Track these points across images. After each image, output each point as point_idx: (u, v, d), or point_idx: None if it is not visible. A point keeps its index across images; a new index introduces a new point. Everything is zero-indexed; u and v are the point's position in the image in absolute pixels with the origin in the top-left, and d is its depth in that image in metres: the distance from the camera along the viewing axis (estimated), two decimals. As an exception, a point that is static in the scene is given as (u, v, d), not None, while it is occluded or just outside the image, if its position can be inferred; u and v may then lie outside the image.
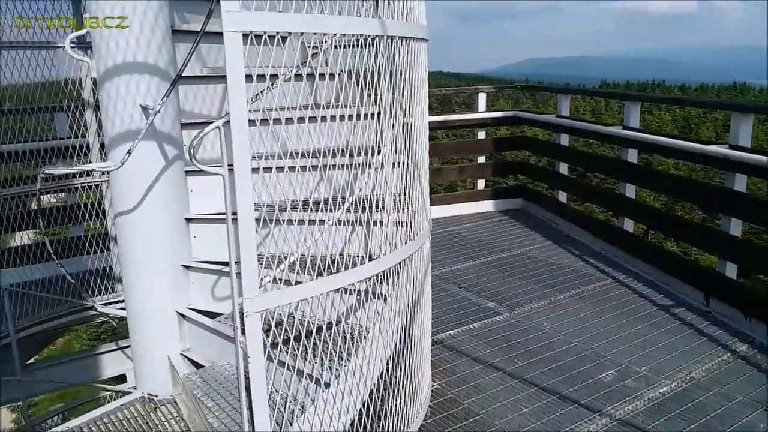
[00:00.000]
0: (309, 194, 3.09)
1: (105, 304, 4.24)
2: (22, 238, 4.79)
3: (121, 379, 5.13)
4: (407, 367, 2.79)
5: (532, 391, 3.44)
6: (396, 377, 2.72)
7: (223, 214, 3.09)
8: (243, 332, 2.02)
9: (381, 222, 2.62)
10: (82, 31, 2.82)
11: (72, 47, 2.91)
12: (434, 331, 3.89)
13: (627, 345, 3.96)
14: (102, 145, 4.28)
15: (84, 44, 3.62)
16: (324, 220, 2.50)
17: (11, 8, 3.99)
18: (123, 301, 4.03)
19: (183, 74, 2.66)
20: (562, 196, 6.92)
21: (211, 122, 2.13)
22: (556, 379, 3.55)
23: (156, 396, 3.19)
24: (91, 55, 2.90)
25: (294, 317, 2.63)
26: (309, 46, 2.95)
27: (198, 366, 3.10)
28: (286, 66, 2.12)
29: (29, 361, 4.35)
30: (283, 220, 2.39)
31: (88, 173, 4.27)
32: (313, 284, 2.16)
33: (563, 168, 6.94)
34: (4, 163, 4.27)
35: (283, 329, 2.37)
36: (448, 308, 4.62)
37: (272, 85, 2.05)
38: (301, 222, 2.65)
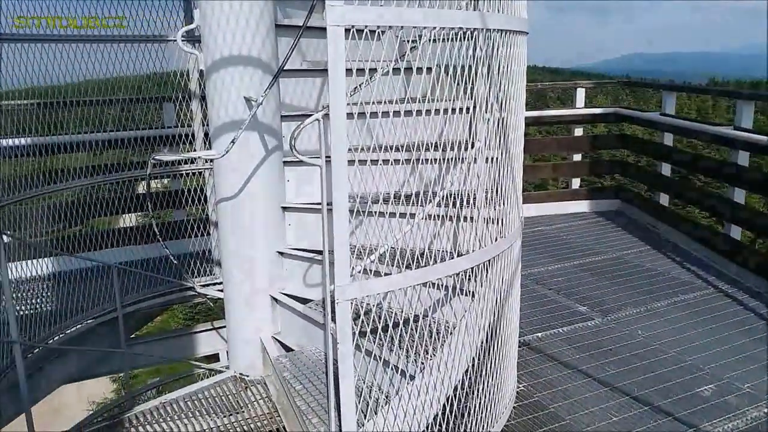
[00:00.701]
0: (399, 187, 3.11)
1: (203, 286, 4.46)
2: (129, 219, 5.14)
3: (214, 358, 5.39)
4: (492, 366, 2.75)
5: (623, 400, 3.31)
6: (481, 376, 2.69)
7: (318, 204, 3.21)
8: (333, 319, 2.07)
9: (471, 218, 2.60)
10: (192, 26, 2.98)
11: (183, 40, 3.06)
12: (521, 333, 3.82)
13: (729, 359, 3.72)
14: (206, 135, 4.51)
15: (193, 38, 3.81)
16: (414, 214, 2.51)
17: (127, 5, 4.27)
18: (220, 284, 4.24)
19: (284, 67, 2.75)
20: (663, 199, 6.58)
21: (310, 114, 2.19)
22: (649, 390, 3.39)
23: (247, 376, 3.33)
24: (200, 48, 3.06)
25: (381, 308, 2.67)
26: (406, 41, 2.97)
27: (288, 349, 3.21)
28: (384, 60, 2.15)
29: (131, 336, 4.66)
30: (375, 212, 2.42)
31: (193, 160, 4.51)
32: (402, 276, 2.18)
33: (665, 169, 6.59)
34: (113, 150, 4.59)
35: (371, 319, 2.40)
36: (536, 310, 4.52)
37: (370, 78, 2.07)
38: (392, 215, 2.68)
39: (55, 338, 3.75)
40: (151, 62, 4.47)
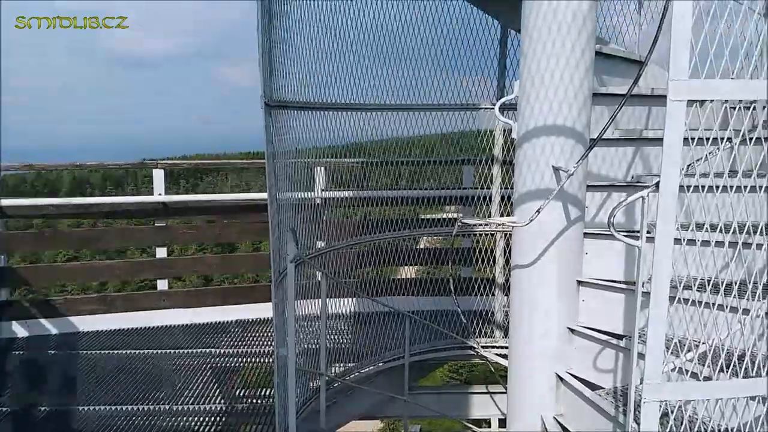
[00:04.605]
0: (716, 273, 2.73)
1: (484, 347, 4.48)
2: (409, 271, 5.48)
3: (486, 422, 5.35)
4: None
5: None
6: None
7: (617, 282, 3.00)
8: (636, 420, 1.86)
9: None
10: (511, 96, 3.07)
11: (499, 110, 3.19)
12: None
13: None
14: (502, 198, 4.62)
15: (505, 107, 3.95)
16: (748, 309, 2.16)
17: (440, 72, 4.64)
18: (500, 347, 4.22)
19: (598, 140, 2.66)
20: None
21: (617, 185, 2.07)
22: None
23: (522, 451, 3.20)
24: (514, 118, 3.14)
25: (683, 412, 2.33)
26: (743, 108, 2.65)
27: (569, 434, 3.00)
28: (730, 131, 1.92)
29: (412, 384, 4.88)
30: (701, 302, 2.14)
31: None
32: (729, 384, 1.87)
33: None
34: (409, 205, 4.96)
35: (670, 424, 2.10)
36: None
37: (709, 155, 1.87)
38: (719, 307, 2.34)
39: (353, 375, 4.11)
40: (457, 124, 4.80)
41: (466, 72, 4.79)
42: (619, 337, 2.89)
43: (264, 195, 4.89)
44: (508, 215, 3.69)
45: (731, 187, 2.01)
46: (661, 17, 2.62)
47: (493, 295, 4.73)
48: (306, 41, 3.96)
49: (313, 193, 4.78)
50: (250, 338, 5.47)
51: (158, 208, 5.79)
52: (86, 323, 5.66)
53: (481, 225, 3.43)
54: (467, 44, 4.68)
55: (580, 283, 3.15)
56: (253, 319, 5.82)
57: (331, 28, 4.08)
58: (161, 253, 5.96)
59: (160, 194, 5.73)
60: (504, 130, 4.49)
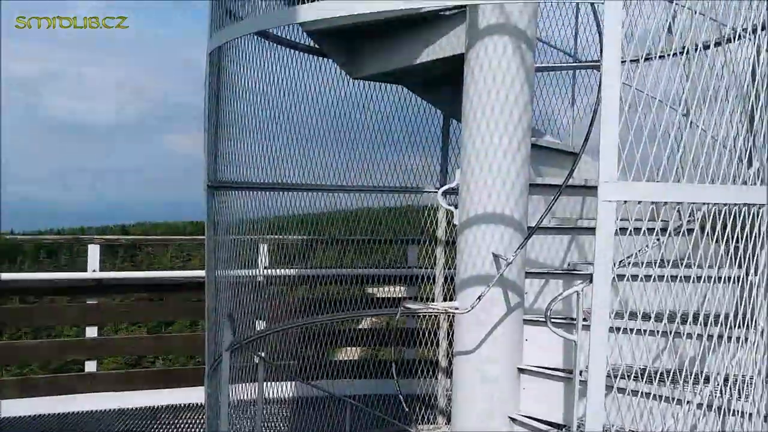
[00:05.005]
0: (649, 362, 2.81)
1: (425, 434, 4.39)
2: (350, 353, 5.40)
3: None
4: None
5: None
6: None
7: (557, 370, 3.03)
8: None
9: (749, 414, 2.21)
10: (453, 184, 3.16)
11: (442, 196, 3.27)
12: None
13: None
14: (445, 279, 4.67)
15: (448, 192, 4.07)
16: (680, 400, 2.21)
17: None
18: (443, 435, 4.14)
19: (536, 228, 2.76)
20: None
21: (554, 273, 2.13)
22: None
23: None
24: (455, 203, 3.23)
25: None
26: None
27: None
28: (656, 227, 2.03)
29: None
30: (637, 392, 2.18)
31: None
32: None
33: None
34: (356, 284, 4.94)
35: None
36: None
37: (638, 252, 1.97)
38: (654, 397, 2.39)
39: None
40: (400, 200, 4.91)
41: (411, 155, 4.94)
42: (559, 426, 2.89)
43: (203, 273, 4.79)
44: (451, 297, 3.71)
45: (661, 277, 2.11)
46: (592, 115, 2.80)
47: (437, 378, 4.68)
48: (252, 122, 4.01)
49: (255, 271, 4.71)
50: (183, 426, 5.19)
51: (91, 285, 5.57)
52: (4, 409, 5.25)
53: (423, 310, 3.44)
54: (413, 128, 4.86)
55: (521, 370, 3.17)
56: (186, 405, 5.55)
57: (278, 111, 4.16)
58: (91, 332, 5.68)
59: (94, 270, 5.52)
60: (447, 213, 4.59)
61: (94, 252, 5.46)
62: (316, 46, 4.12)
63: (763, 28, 2.36)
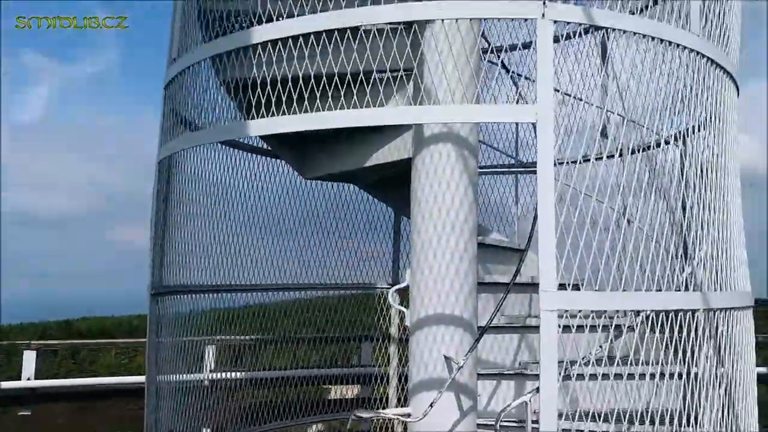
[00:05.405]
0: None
1: None
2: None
3: None
4: None
5: None
6: None
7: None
8: None
9: None
10: (403, 285, 3.18)
11: (392, 297, 3.28)
12: None
13: None
14: (399, 378, 4.60)
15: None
16: None
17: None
18: None
19: (486, 328, 2.78)
20: None
21: (505, 374, 2.13)
22: None
23: None
24: (405, 304, 3.23)
25: None
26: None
27: None
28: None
29: None
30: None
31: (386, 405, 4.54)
32: None
33: None
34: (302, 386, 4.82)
35: None
36: None
37: (583, 361, 2.00)
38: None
39: None
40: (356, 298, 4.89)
41: (363, 251, 4.97)
42: None
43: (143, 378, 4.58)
44: (406, 398, 3.64)
45: (609, 375, 2.13)
46: (534, 213, 2.89)
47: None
48: (200, 224, 3.97)
49: (200, 375, 4.53)
50: None
51: (25, 395, 5.23)
52: None
53: (375, 416, 3.35)
54: (365, 225, 4.92)
55: (477, 473, 3.09)
56: None
57: (228, 212, 4.16)
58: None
59: (29, 379, 5.21)
60: (399, 312, 4.58)
61: (29, 359, 5.17)
62: (269, 148, 4.22)
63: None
